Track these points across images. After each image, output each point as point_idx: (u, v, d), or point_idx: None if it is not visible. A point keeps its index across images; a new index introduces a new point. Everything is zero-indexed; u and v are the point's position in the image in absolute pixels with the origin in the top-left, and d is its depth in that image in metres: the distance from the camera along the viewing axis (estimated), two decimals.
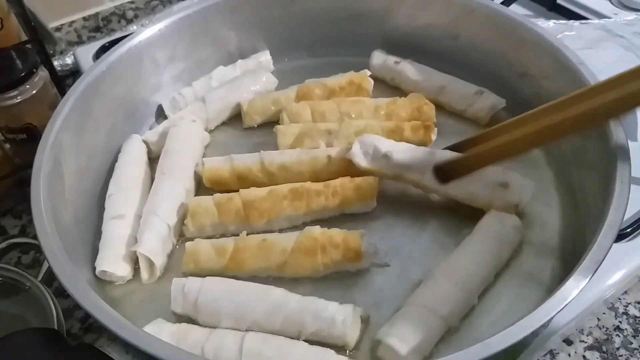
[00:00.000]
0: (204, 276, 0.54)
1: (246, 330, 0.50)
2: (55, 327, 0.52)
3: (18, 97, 0.65)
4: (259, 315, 0.51)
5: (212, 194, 0.61)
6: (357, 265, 0.55)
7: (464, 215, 0.60)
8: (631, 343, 0.57)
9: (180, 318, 0.53)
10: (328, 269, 0.55)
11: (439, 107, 0.71)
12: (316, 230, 0.55)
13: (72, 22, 1.03)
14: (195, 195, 0.63)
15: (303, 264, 0.54)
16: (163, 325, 0.51)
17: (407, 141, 0.64)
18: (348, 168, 0.61)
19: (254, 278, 0.55)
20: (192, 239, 0.58)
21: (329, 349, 0.49)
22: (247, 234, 0.57)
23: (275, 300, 0.51)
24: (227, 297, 0.52)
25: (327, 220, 0.60)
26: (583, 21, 0.85)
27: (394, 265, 0.57)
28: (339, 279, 0.56)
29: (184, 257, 0.56)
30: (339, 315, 0.50)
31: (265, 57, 0.79)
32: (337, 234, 0.55)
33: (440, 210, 0.61)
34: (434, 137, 0.66)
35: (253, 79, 0.75)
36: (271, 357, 0.48)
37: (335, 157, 0.61)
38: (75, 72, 0.91)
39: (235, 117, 0.74)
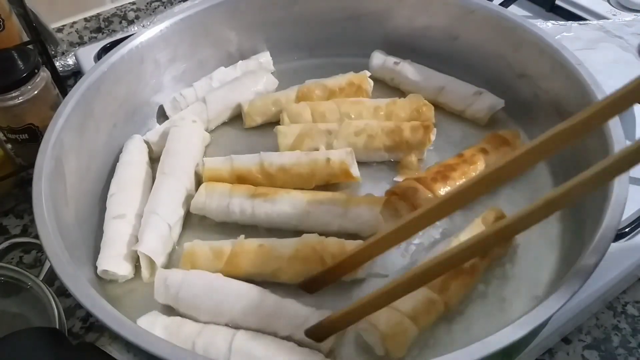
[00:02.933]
0: None
1: (237, 328, 0.51)
2: (57, 327, 0.52)
3: (20, 98, 0.66)
4: (236, 314, 0.51)
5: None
6: (353, 276, 0.55)
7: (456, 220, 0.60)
8: (629, 342, 0.58)
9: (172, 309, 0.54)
10: None
11: (438, 108, 0.71)
12: (314, 238, 0.55)
13: (74, 23, 1.04)
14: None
15: (299, 271, 0.54)
16: (157, 318, 0.51)
17: (407, 141, 0.64)
18: (346, 171, 0.61)
19: (249, 281, 0.55)
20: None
21: (317, 352, 0.49)
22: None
23: (252, 300, 0.51)
24: (207, 294, 0.52)
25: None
26: (581, 22, 0.85)
27: (392, 275, 0.56)
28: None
29: (182, 257, 0.56)
30: (312, 322, 0.49)
31: (265, 57, 0.79)
32: (334, 243, 0.55)
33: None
34: (433, 137, 0.66)
35: (253, 80, 0.75)
36: (260, 357, 0.48)
37: (334, 160, 0.62)
38: (76, 73, 0.92)
39: (236, 118, 0.75)
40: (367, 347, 0.51)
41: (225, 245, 0.56)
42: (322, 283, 0.54)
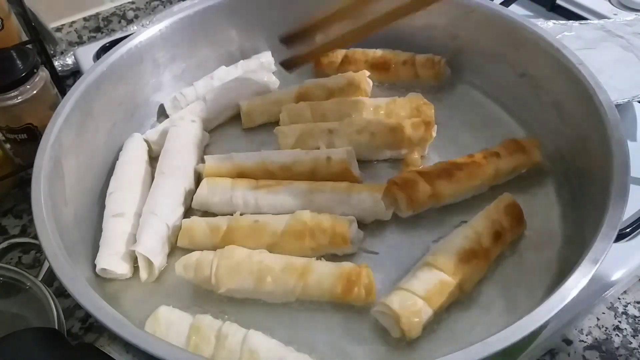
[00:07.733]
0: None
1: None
2: (56, 327, 0.52)
3: (19, 97, 0.65)
4: None
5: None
6: (344, 250, 0.56)
7: (457, 213, 0.60)
8: (630, 343, 0.57)
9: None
10: (316, 253, 0.56)
11: (438, 108, 0.70)
12: (306, 214, 0.57)
13: (73, 22, 1.03)
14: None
15: (292, 246, 0.56)
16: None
17: (409, 138, 0.64)
18: (347, 170, 0.61)
19: None
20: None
21: None
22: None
23: None
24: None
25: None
26: (582, 21, 0.85)
27: (383, 254, 0.58)
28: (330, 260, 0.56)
29: (180, 232, 0.58)
30: None
31: (266, 57, 0.79)
32: (326, 219, 0.56)
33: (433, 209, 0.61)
34: (434, 133, 0.66)
35: (254, 79, 0.75)
36: None
37: (334, 159, 0.62)
38: (75, 73, 0.92)
39: (236, 117, 0.74)
40: (384, 332, 0.51)
41: (222, 221, 0.58)
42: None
